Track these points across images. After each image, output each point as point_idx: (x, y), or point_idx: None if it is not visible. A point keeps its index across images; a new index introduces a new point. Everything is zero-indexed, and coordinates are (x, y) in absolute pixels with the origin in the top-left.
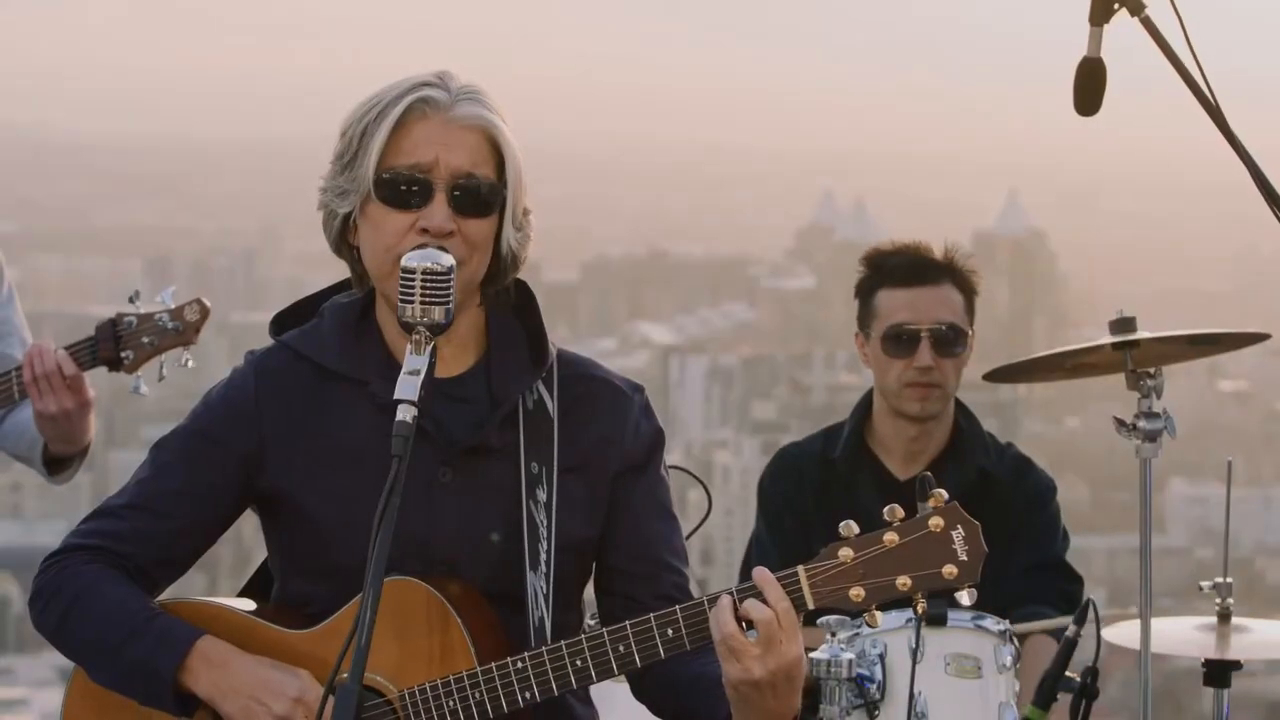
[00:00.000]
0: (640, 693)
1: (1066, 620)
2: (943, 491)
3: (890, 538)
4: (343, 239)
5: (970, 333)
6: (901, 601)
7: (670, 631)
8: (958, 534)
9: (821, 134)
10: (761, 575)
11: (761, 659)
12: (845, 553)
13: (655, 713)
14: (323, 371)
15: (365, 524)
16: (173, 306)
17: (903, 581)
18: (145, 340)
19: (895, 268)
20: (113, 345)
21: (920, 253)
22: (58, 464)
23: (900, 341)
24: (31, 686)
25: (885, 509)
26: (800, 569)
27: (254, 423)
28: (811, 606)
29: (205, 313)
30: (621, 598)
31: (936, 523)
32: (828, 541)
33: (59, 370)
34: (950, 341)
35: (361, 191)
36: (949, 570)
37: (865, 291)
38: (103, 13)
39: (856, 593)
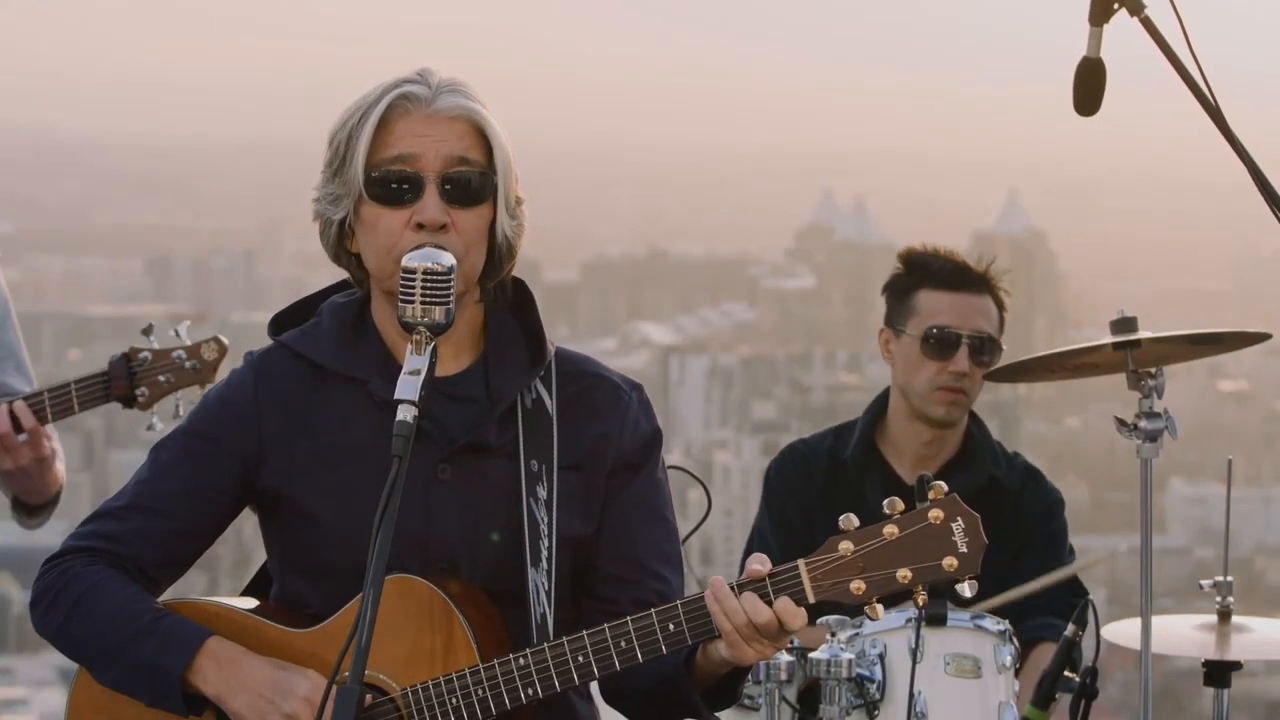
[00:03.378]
0: (609, 697)
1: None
2: (942, 484)
3: (890, 530)
4: (340, 246)
5: (1003, 348)
6: (902, 595)
7: (672, 626)
8: (957, 526)
9: (821, 134)
10: (721, 590)
11: (775, 641)
12: (845, 546)
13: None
14: (321, 371)
15: (364, 523)
16: (189, 343)
17: (903, 574)
18: (162, 379)
19: (941, 270)
20: (126, 382)
21: (962, 259)
22: (30, 509)
23: (940, 344)
24: (31, 686)
25: (885, 502)
26: (800, 562)
27: (253, 423)
28: (812, 600)
29: (223, 351)
30: (600, 600)
31: (936, 515)
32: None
33: (11, 431)
34: (985, 351)
35: (353, 195)
36: (949, 562)
37: (901, 289)
38: (103, 12)
39: (857, 586)
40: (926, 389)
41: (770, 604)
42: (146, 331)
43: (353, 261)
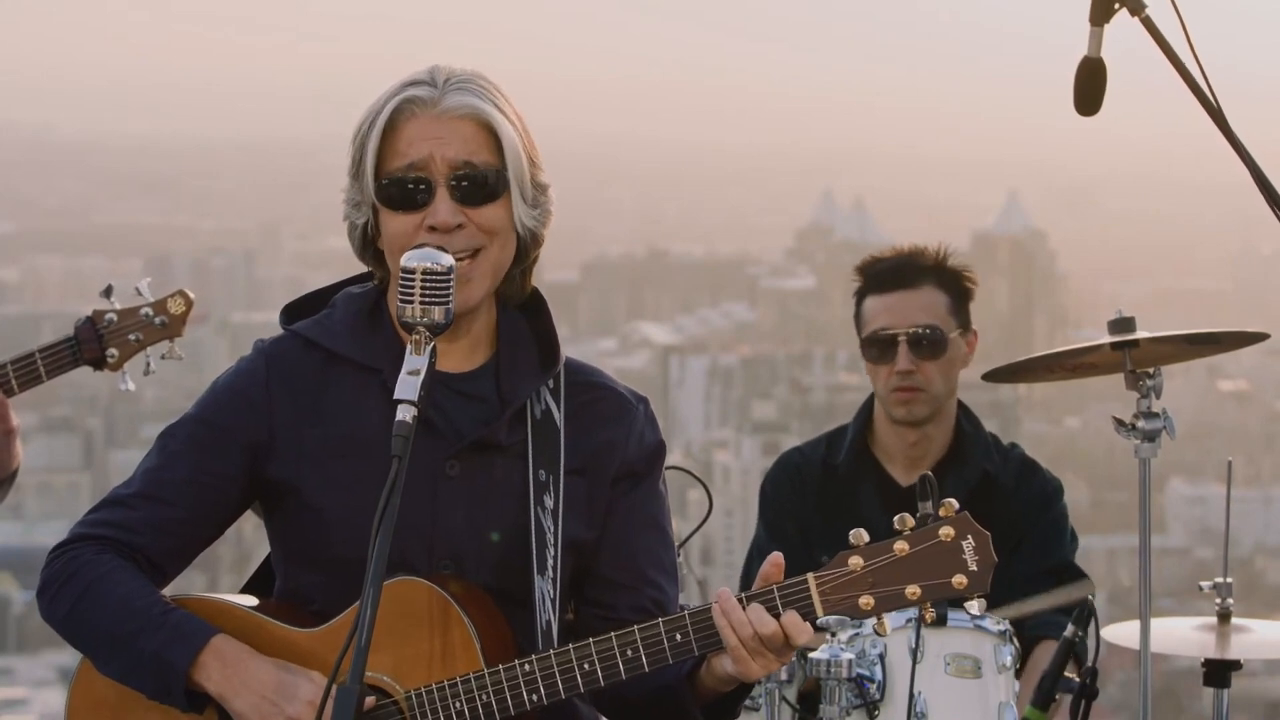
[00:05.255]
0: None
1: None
2: (953, 501)
3: (900, 546)
4: (368, 246)
5: (955, 334)
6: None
7: (679, 636)
8: (968, 544)
9: (821, 134)
10: (731, 609)
11: (780, 656)
12: (855, 561)
13: None
14: (333, 360)
15: (370, 516)
16: (152, 299)
17: (912, 590)
18: (131, 336)
19: (878, 274)
20: (96, 344)
21: (906, 256)
22: None
23: (880, 347)
24: (31, 686)
25: (895, 518)
26: (810, 576)
27: (264, 411)
28: (821, 615)
29: (190, 304)
30: (597, 606)
31: (947, 532)
32: (828, 547)
33: None
34: (929, 343)
35: (369, 201)
36: (959, 580)
37: (857, 301)
38: (103, 13)
39: (866, 601)
40: (884, 392)
41: (777, 617)
42: (106, 293)
43: (377, 261)
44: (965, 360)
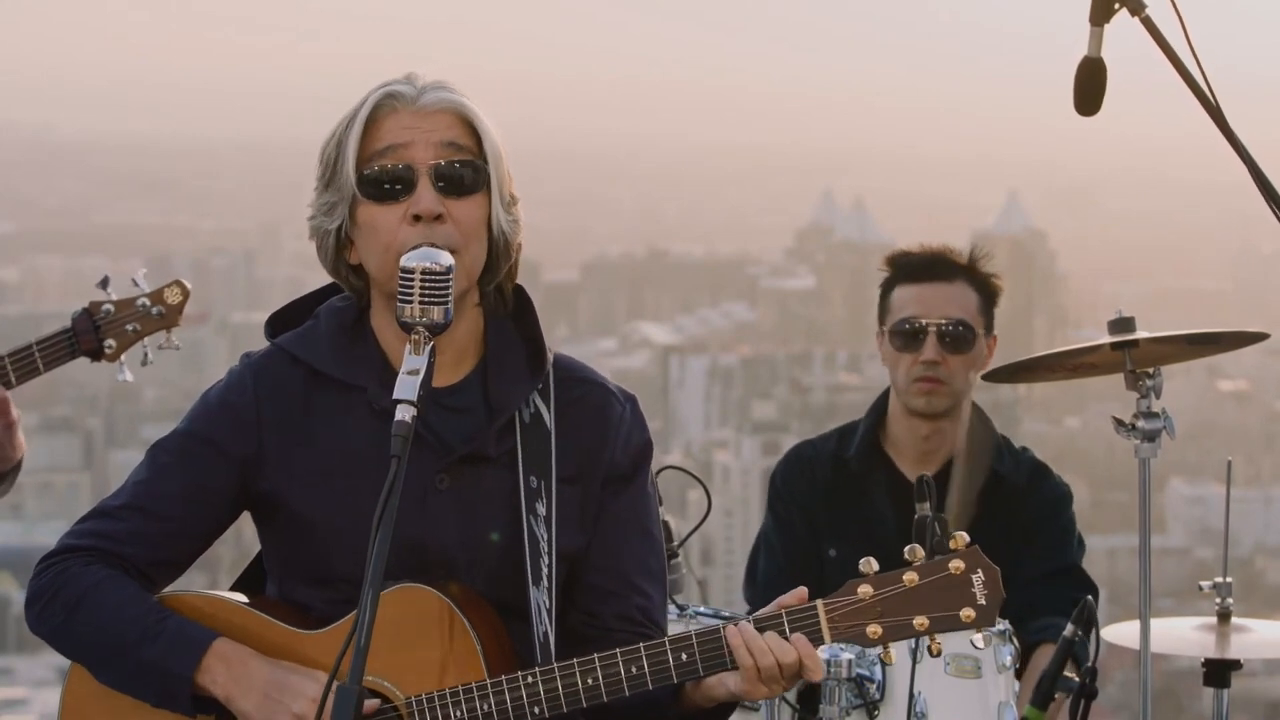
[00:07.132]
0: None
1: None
2: (964, 535)
3: (910, 577)
4: (339, 257)
5: (981, 334)
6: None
7: (685, 656)
8: (978, 578)
9: (821, 134)
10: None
11: (790, 682)
12: (864, 590)
13: None
14: (318, 375)
15: (363, 530)
16: (149, 290)
17: (920, 622)
18: (128, 327)
19: (911, 264)
20: (93, 335)
21: (938, 252)
22: None
23: (908, 336)
24: (31, 686)
25: (906, 549)
26: (819, 603)
27: (252, 426)
28: (828, 642)
29: (186, 294)
30: (583, 613)
31: (957, 565)
32: (836, 541)
33: None
34: (958, 338)
35: (348, 199)
36: (967, 613)
37: (884, 290)
38: (103, 12)
39: (874, 630)
40: (905, 382)
41: (786, 639)
42: (103, 284)
43: (351, 273)
44: (984, 363)
